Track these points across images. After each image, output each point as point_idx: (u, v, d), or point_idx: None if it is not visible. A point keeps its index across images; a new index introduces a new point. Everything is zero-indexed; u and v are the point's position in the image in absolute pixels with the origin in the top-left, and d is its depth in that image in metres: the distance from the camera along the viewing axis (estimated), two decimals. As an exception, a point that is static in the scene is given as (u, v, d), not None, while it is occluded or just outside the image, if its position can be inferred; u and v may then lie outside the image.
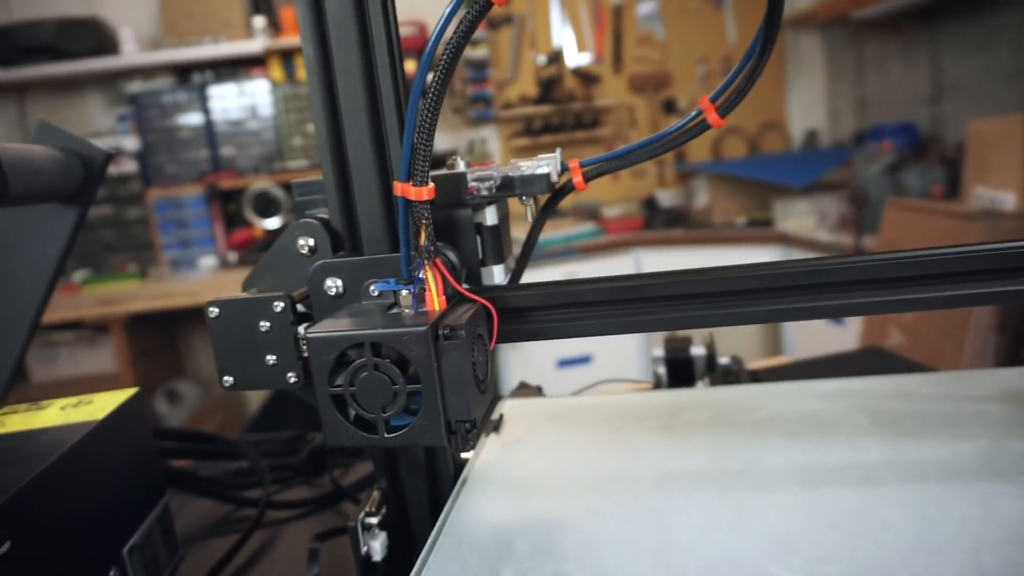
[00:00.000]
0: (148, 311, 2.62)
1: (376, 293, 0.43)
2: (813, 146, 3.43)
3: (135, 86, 3.06)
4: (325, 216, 0.49)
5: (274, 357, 0.45)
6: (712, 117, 0.48)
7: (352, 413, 0.39)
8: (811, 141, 3.46)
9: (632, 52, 3.54)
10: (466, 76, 3.36)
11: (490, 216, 0.52)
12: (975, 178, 2.06)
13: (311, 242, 0.48)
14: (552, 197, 0.53)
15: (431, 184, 0.39)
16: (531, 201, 0.52)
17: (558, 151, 0.54)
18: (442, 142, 3.13)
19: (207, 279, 2.91)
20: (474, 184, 0.52)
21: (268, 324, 0.44)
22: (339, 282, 0.44)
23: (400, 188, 0.39)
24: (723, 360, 0.80)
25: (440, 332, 0.37)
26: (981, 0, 2.40)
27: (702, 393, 0.63)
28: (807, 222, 2.81)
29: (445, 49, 0.38)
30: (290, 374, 0.45)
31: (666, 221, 3.23)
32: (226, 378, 0.46)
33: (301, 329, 0.45)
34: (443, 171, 0.52)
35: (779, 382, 0.63)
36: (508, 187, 0.50)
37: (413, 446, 0.37)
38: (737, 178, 3.14)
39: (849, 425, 0.52)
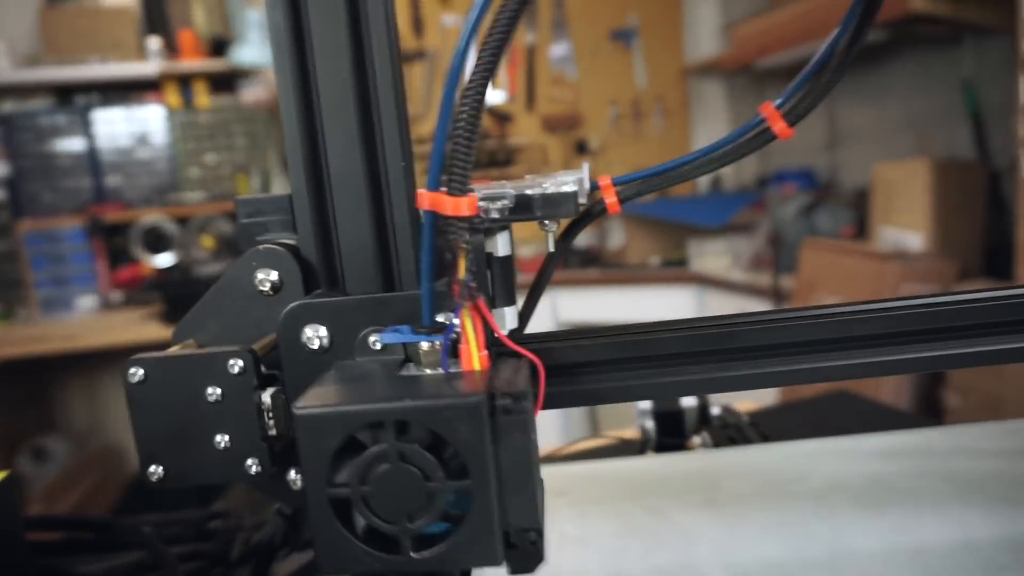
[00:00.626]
0: (14, 357, 2.30)
1: (378, 347, 0.31)
2: (718, 189, 3.53)
3: (7, 106, 2.75)
4: (290, 242, 0.37)
5: (227, 438, 0.32)
6: (779, 126, 0.39)
7: (361, 523, 0.27)
8: (716, 184, 3.56)
9: (545, 92, 3.55)
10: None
11: (502, 245, 0.41)
12: (882, 219, 2.14)
13: (274, 276, 0.35)
14: (576, 222, 0.42)
15: (474, 193, 0.28)
16: (554, 226, 0.41)
17: (585, 166, 0.44)
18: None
19: (86, 321, 2.60)
20: (483, 204, 0.41)
21: (219, 391, 0.31)
22: (323, 331, 0.32)
23: (429, 200, 0.28)
24: (715, 411, 0.72)
25: (498, 403, 0.26)
26: (872, 56, 2.54)
27: (731, 456, 0.54)
28: (722, 262, 2.85)
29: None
30: (250, 462, 0.32)
31: (581, 261, 3.20)
32: (153, 469, 0.32)
33: (266, 396, 0.32)
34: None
35: (803, 439, 0.54)
36: (526, 208, 0.39)
37: (454, 569, 0.26)
38: (650, 219, 3.16)
39: (931, 492, 0.44)
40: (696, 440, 0.67)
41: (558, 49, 3.55)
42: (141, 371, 0.31)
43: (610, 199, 0.41)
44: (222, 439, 0.32)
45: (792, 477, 0.48)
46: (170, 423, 0.32)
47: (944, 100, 2.36)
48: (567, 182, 0.40)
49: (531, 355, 0.31)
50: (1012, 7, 1.98)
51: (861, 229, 2.32)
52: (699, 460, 0.53)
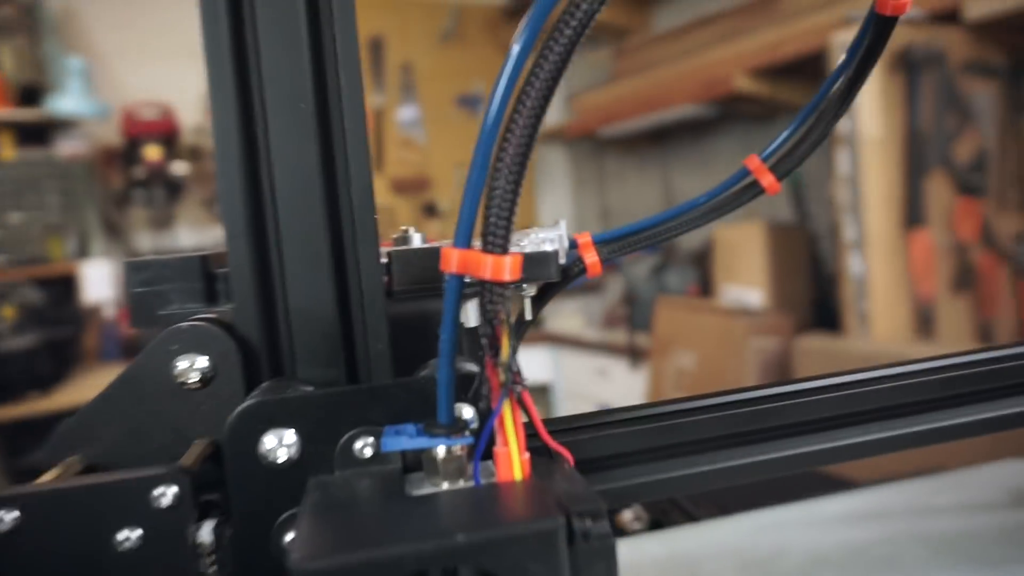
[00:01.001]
0: None
1: (367, 454, 0.24)
2: (566, 250, 3.64)
3: None
4: (214, 316, 0.28)
5: (146, 600, 0.22)
6: (767, 180, 0.37)
7: None
8: (564, 245, 3.66)
9: (393, 155, 3.51)
10: (215, 170, 3.03)
11: (472, 313, 0.35)
12: (724, 277, 2.28)
13: (203, 363, 0.26)
14: (553, 285, 0.37)
15: (518, 252, 0.22)
16: (532, 290, 0.36)
17: (562, 222, 0.39)
18: (188, 239, 2.73)
19: None
20: (451, 265, 0.34)
21: (137, 533, 0.22)
22: (291, 437, 0.24)
23: (459, 259, 0.21)
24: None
25: (576, 527, 0.19)
26: (701, 129, 2.77)
27: (697, 535, 0.50)
28: (575, 321, 2.90)
29: None
30: (184, 630, 0.23)
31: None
32: (27, 657, 0.22)
33: (206, 534, 0.23)
34: (402, 246, 0.34)
35: (756, 509, 0.52)
36: (500, 270, 0.33)
37: None
38: (505, 279, 3.18)
39: (913, 558, 0.42)
40: (627, 514, 0.63)
41: (406, 112, 3.55)
42: (15, 513, 0.21)
43: (591, 259, 0.37)
44: (138, 606, 0.22)
45: (770, 553, 0.45)
46: (59, 586, 0.22)
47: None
48: (547, 239, 0.35)
49: (564, 450, 0.25)
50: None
51: (704, 287, 2.46)
52: (665, 543, 0.48)
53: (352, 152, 0.28)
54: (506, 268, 0.21)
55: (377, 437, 0.24)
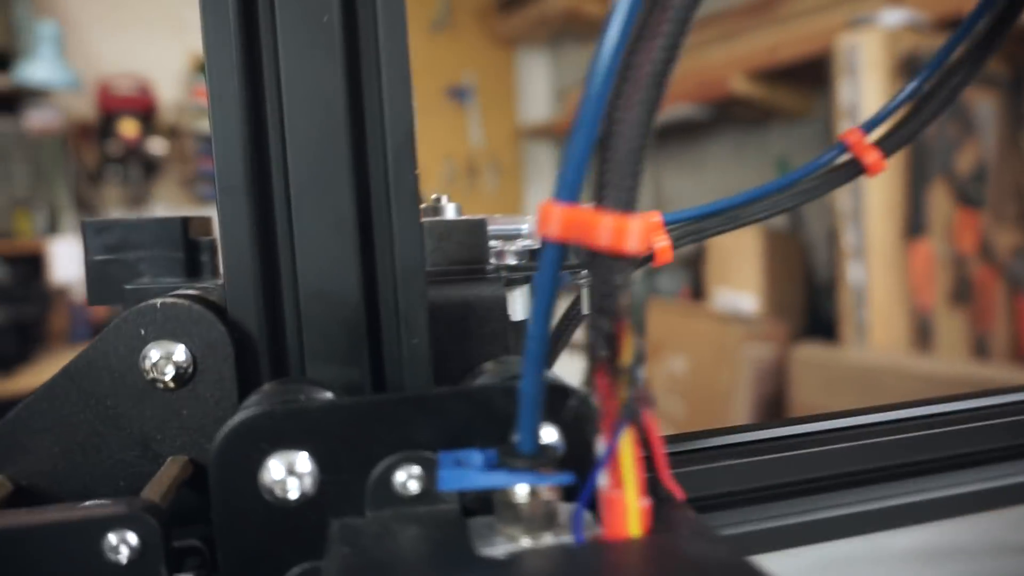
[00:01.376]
0: None
1: (413, 490, 0.17)
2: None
3: None
4: (196, 293, 0.21)
5: None
6: (871, 158, 0.30)
7: None
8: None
9: (380, 143, 3.43)
10: (195, 149, 2.93)
11: (521, 304, 0.28)
12: (717, 280, 2.24)
13: (180, 356, 0.19)
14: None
15: (655, 217, 0.16)
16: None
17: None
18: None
19: None
20: (494, 244, 0.28)
21: (81, 598, 0.15)
22: (305, 464, 0.17)
23: (563, 219, 0.15)
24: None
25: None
26: (693, 129, 2.72)
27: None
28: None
29: None
30: None
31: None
32: None
33: (179, 596, 0.16)
34: (433, 217, 0.28)
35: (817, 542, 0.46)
36: (555, 251, 0.27)
37: None
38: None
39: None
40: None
41: (394, 101, 3.46)
42: None
43: (660, 243, 0.30)
44: None
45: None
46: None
47: (755, 174, 2.56)
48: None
49: (679, 492, 0.18)
50: (815, 97, 2.20)
51: (696, 290, 2.42)
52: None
53: (389, 83, 0.21)
54: (632, 234, 0.15)
55: (426, 467, 0.17)
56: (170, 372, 0.19)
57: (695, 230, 0.31)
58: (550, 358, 0.28)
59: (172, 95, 2.50)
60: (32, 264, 2.21)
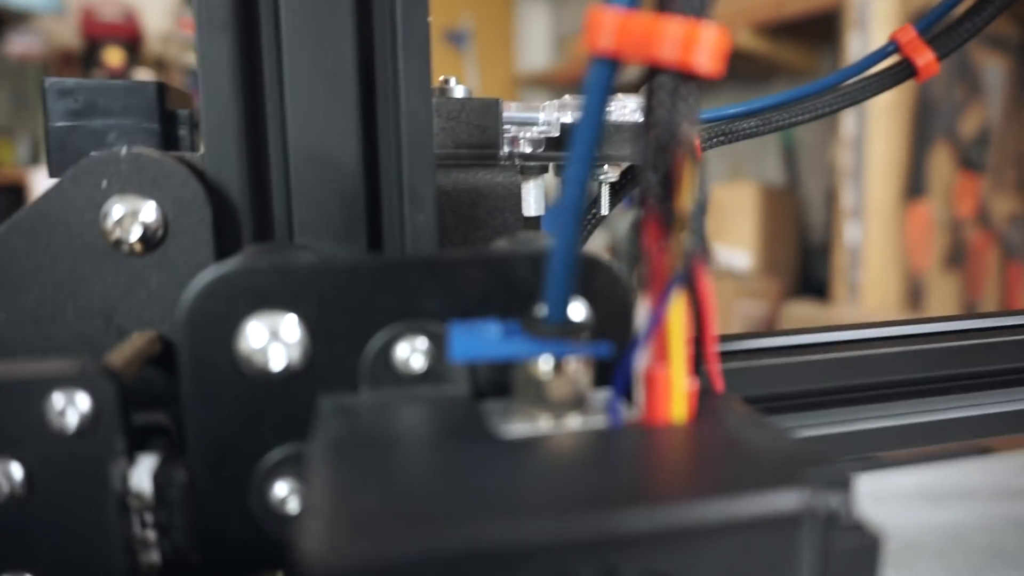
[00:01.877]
0: None
1: (417, 367, 0.15)
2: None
3: None
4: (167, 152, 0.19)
5: (35, 581, 0.13)
6: (924, 59, 0.28)
7: None
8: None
9: (374, 85, 3.35)
10: (183, 83, 2.85)
11: (535, 197, 0.26)
12: (713, 235, 2.22)
13: (151, 215, 0.17)
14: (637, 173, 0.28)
15: (723, 27, 0.13)
16: (613, 174, 0.27)
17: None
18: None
19: None
20: (510, 130, 0.25)
21: (19, 473, 0.13)
22: (293, 331, 0.14)
23: (622, 27, 0.12)
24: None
25: (820, 509, 0.11)
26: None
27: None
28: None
29: None
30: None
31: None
32: None
33: (141, 477, 0.14)
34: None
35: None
36: (573, 142, 0.24)
37: None
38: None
39: (1017, 550, 0.35)
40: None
41: (390, 42, 3.37)
42: None
43: (687, 142, 0.27)
44: (22, 586, 0.13)
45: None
46: None
47: (758, 131, 2.51)
48: (635, 108, 0.25)
49: (719, 383, 0.16)
50: (821, 53, 2.15)
51: (689, 246, 2.40)
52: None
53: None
54: (705, 45, 0.12)
55: (433, 340, 0.15)
56: (136, 233, 0.17)
57: (727, 131, 0.28)
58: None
59: (158, 25, 2.41)
60: (14, 194, 2.14)
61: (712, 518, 0.10)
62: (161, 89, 0.24)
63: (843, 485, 0.11)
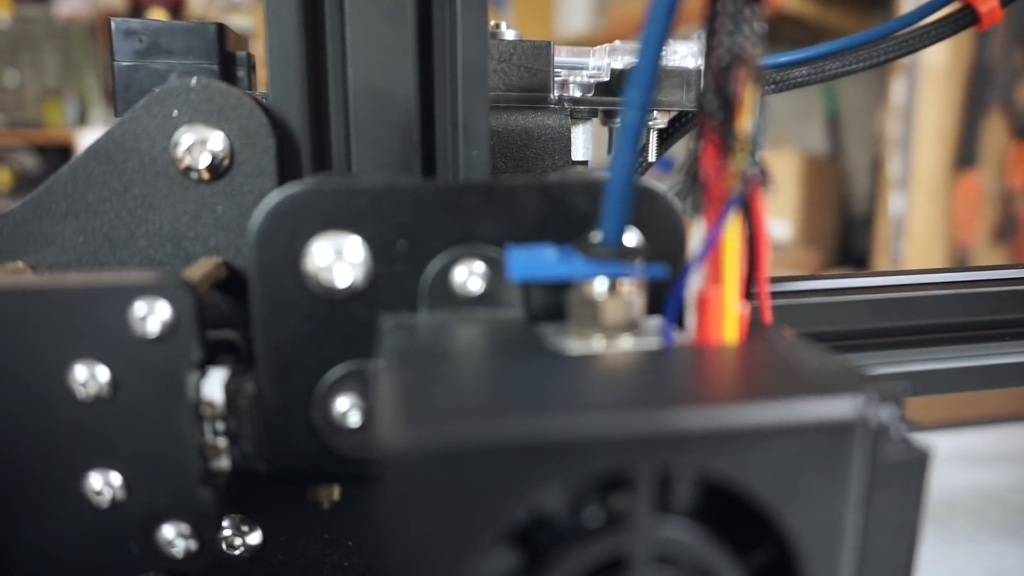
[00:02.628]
0: None
1: (476, 289, 0.15)
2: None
3: None
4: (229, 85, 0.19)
5: (114, 480, 0.14)
6: (988, 4, 0.27)
7: None
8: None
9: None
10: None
11: (583, 141, 0.26)
12: (750, 207, 2.18)
13: (218, 144, 0.17)
14: (686, 120, 0.28)
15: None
16: (662, 120, 0.27)
17: (699, 34, 0.29)
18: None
19: None
20: (562, 73, 0.25)
21: (104, 375, 0.14)
22: (359, 253, 0.15)
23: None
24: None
25: (876, 417, 0.11)
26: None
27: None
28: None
29: None
30: (171, 533, 0.14)
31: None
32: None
33: (213, 387, 0.15)
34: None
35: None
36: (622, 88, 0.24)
37: None
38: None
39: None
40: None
41: None
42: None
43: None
44: (104, 482, 0.14)
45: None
46: (-24, 445, 0.14)
47: (799, 99, 2.45)
48: (687, 54, 0.25)
49: (768, 314, 0.16)
50: (872, 16, 2.07)
51: (727, 216, 2.36)
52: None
53: None
54: (770, -31, 0.12)
55: (490, 264, 0.15)
56: (205, 160, 0.17)
57: (781, 78, 0.28)
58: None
59: (201, -14, 2.42)
60: (62, 154, 2.19)
61: (768, 420, 0.10)
62: (221, 30, 0.24)
63: (896, 399, 0.11)
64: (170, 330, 0.14)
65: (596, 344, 0.14)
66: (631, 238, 0.15)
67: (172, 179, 0.17)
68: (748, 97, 0.12)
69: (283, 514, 0.19)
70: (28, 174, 2.14)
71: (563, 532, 0.11)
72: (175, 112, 0.17)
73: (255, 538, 0.18)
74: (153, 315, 0.13)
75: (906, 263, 1.75)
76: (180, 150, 0.17)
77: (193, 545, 0.15)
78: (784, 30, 2.49)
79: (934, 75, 1.72)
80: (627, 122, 0.13)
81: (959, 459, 0.40)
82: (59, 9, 2.29)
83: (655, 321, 0.15)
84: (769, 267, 0.14)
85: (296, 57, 0.18)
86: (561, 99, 0.25)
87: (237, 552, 0.18)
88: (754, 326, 0.15)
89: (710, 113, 0.12)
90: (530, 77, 0.24)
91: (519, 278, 0.14)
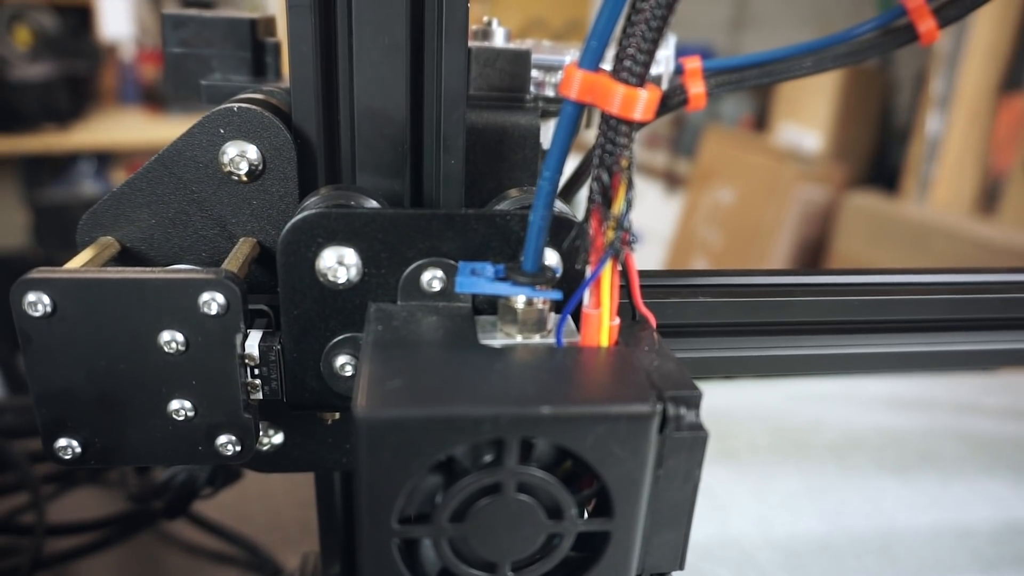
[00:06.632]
0: None
1: (435, 288, 0.21)
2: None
3: None
4: (264, 98, 0.25)
5: (187, 405, 0.21)
6: (926, 25, 0.30)
7: (435, 567, 0.18)
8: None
9: None
10: None
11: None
12: (784, 113, 2.14)
13: (252, 155, 0.23)
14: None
15: (658, 88, 0.18)
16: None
17: (672, 40, 0.33)
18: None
19: None
20: (536, 75, 0.30)
21: (181, 338, 0.20)
22: (352, 258, 0.21)
23: (583, 83, 0.17)
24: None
25: (671, 413, 0.17)
26: None
27: (732, 394, 0.49)
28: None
29: None
30: (224, 439, 0.21)
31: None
32: (64, 443, 0.21)
33: (252, 346, 0.21)
34: (483, 42, 0.29)
35: (794, 376, 0.51)
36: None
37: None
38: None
39: (952, 457, 0.42)
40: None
41: None
42: (46, 299, 0.19)
43: (696, 89, 0.31)
44: (181, 406, 0.21)
45: (804, 426, 0.44)
46: (95, 380, 0.20)
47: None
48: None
49: (649, 314, 0.22)
50: None
51: (759, 120, 2.33)
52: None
53: (448, -85, 0.22)
54: (639, 104, 0.17)
55: (447, 271, 0.21)
56: (244, 167, 0.23)
57: (735, 79, 0.32)
58: (564, 196, 0.31)
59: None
60: (81, 16, 2.13)
61: (599, 412, 0.16)
62: (253, 24, 0.29)
63: (690, 403, 0.17)
64: (224, 310, 0.20)
65: (514, 339, 0.20)
66: (552, 256, 0.21)
67: (219, 180, 0.23)
68: (620, 191, 0.17)
69: (299, 423, 0.26)
70: (46, 33, 2.10)
71: (466, 469, 0.17)
72: (222, 130, 0.23)
73: (278, 439, 0.26)
74: (214, 301, 0.20)
75: (934, 186, 1.74)
76: (226, 159, 0.23)
77: (238, 448, 0.22)
78: None
79: (992, -12, 1.63)
80: (543, 188, 0.19)
81: (879, 403, 0.46)
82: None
83: (562, 322, 0.21)
84: (640, 293, 0.20)
85: (313, 83, 0.24)
86: (536, 98, 0.29)
87: (265, 448, 0.25)
88: (630, 328, 0.21)
89: (594, 196, 0.18)
90: (510, 80, 0.28)
91: (463, 291, 0.20)
